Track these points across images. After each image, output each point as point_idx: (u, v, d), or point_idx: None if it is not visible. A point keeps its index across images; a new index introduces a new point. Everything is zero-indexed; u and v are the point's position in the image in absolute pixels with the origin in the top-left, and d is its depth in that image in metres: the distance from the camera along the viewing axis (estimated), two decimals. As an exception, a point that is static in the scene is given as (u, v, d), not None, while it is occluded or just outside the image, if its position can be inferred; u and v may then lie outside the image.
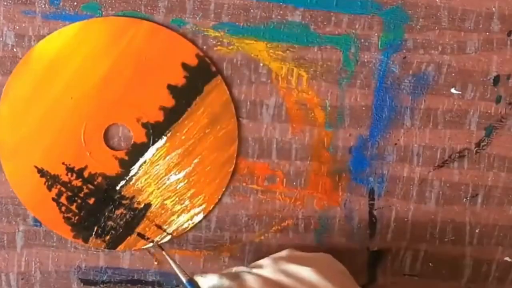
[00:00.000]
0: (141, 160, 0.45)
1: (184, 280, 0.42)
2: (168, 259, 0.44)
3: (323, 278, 0.39)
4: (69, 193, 0.45)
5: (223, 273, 0.41)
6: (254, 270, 0.40)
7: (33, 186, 0.45)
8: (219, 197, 0.46)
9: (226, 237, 0.47)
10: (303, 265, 0.40)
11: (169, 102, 0.45)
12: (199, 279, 0.41)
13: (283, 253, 0.42)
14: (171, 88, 0.45)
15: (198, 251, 0.47)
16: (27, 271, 0.47)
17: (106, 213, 0.46)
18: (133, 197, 0.46)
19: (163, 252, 0.45)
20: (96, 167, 0.45)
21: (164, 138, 0.45)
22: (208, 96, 0.45)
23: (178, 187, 0.46)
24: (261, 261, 0.41)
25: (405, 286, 0.48)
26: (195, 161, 0.45)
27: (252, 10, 0.44)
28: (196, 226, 0.46)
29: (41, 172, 0.45)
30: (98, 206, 0.46)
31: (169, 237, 0.46)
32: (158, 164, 0.45)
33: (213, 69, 0.45)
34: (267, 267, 0.40)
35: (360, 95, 0.45)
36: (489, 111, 0.46)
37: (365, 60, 0.45)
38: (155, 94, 0.45)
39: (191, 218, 0.46)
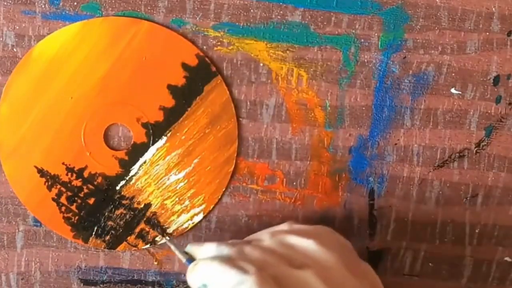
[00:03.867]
0: (141, 160, 0.45)
1: (184, 260, 0.41)
2: (168, 242, 0.45)
3: (325, 250, 0.39)
4: (69, 193, 0.45)
5: (221, 242, 0.40)
6: (253, 242, 0.40)
7: (33, 186, 0.45)
8: (219, 197, 0.46)
9: (226, 237, 0.47)
10: (303, 237, 0.39)
11: (169, 102, 0.45)
12: (196, 250, 0.41)
13: (282, 226, 0.42)
14: (171, 88, 0.45)
15: (198, 251, 0.47)
16: (27, 271, 0.47)
17: (106, 213, 0.46)
18: (133, 197, 0.46)
19: (163, 236, 0.46)
20: (96, 167, 0.45)
21: (164, 138, 0.45)
22: (208, 96, 0.45)
23: (178, 187, 0.46)
24: (258, 234, 0.41)
25: (405, 286, 0.48)
26: (195, 161, 0.45)
27: (252, 10, 0.44)
28: (196, 226, 0.46)
29: (41, 172, 0.45)
30: (98, 206, 0.46)
31: (169, 237, 0.46)
32: (158, 164, 0.45)
33: (213, 69, 0.45)
34: (265, 240, 0.40)
35: (360, 95, 0.45)
36: (489, 111, 0.46)
37: (365, 60, 0.45)
38: (155, 94, 0.45)
39: (191, 218, 0.46)
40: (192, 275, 0.40)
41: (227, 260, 0.38)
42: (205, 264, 0.39)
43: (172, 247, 0.43)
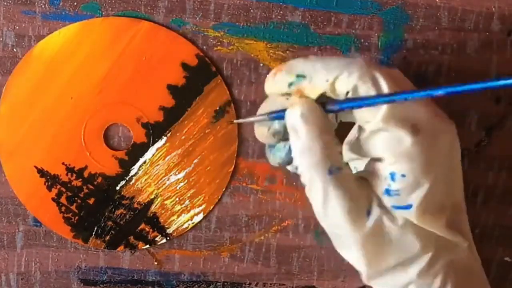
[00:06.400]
0: (141, 160, 0.45)
1: (265, 116, 0.37)
2: (247, 119, 0.41)
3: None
4: (69, 193, 0.45)
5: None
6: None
7: (33, 186, 0.45)
8: (219, 197, 0.46)
9: (226, 237, 0.47)
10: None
11: (169, 102, 0.45)
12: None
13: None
14: (171, 88, 0.45)
15: (198, 251, 0.47)
16: (27, 271, 0.47)
17: (106, 213, 0.46)
18: (133, 197, 0.46)
19: (237, 121, 0.43)
20: (96, 167, 0.45)
21: (164, 138, 0.45)
22: (208, 96, 0.45)
23: (178, 187, 0.46)
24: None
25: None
26: (195, 161, 0.45)
27: (252, 10, 0.44)
28: (196, 226, 0.46)
29: (41, 172, 0.45)
30: (98, 206, 0.46)
31: (168, 237, 0.46)
32: (158, 164, 0.45)
33: (213, 69, 0.45)
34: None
35: (360, 95, 0.45)
36: (489, 111, 0.46)
37: (365, 60, 0.45)
38: (155, 94, 0.45)
39: (191, 218, 0.46)
40: (279, 74, 0.36)
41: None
42: (298, 59, 0.36)
43: (242, 120, 0.41)
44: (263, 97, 0.45)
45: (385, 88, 0.34)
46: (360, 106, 0.35)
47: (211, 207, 0.46)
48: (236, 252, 0.47)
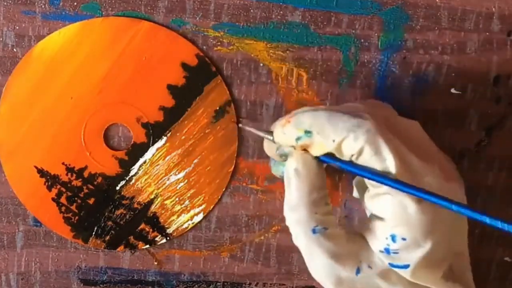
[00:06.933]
0: (141, 160, 0.45)
1: (270, 138, 0.38)
2: (253, 129, 0.41)
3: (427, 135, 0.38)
4: (69, 193, 0.45)
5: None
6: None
7: (33, 186, 0.45)
8: (219, 197, 0.46)
9: (226, 237, 0.47)
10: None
11: (169, 102, 0.45)
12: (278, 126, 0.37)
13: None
14: (171, 88, 0.45)
15: (198, 251, 0.47)
16: (27, 271, 0.47)
17: (106, 213, 0.46)
18: (133, 197, 0.46)
19: (245, 127, 0.42)
20: (96, 167, 0.45)
21: (164, 138, 0.45)
22: (208, 96, 0.45)
23: (178, 187, 0.46)
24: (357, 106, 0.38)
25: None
26: (195, 161, 0.45)
27: (252, 10, 0.44)
28: (196, 226, 0.46)
29: (41, 172, 0.45)
30: (98, 206, 0.46)
31: (168, 237, 0.46)
32: (158, 164, 0.45)
33: (213, 69, 0.45)
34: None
35: (360, 95, 0.45)
36: (489, 111, 0.46)
37: (365, 60, 0.45)
38: (155, 94, 0.45)
39: (191, 218, 0.46)
40: (288, 126, 0.36)
41: (334, 108, 0.36)
42: (307, 112, 0.36)
43: (252, 129, 0.40)
44: (263, 97, 0.45)
45: (388, 158, 0.34)
46: (361, 175, 0.35)
47: (211, 207, 0.46)
48: (236, 252, 0.47)
